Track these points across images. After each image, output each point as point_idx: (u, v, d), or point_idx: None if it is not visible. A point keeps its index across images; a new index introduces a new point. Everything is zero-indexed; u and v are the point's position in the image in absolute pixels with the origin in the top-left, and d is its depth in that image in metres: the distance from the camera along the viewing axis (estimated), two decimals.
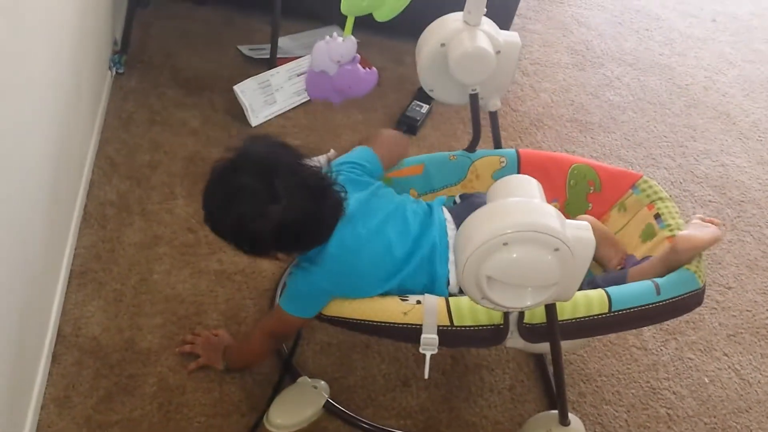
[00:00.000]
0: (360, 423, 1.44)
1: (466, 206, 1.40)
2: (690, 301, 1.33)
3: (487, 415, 1.50)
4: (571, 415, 1.41)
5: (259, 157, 1.23)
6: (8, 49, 1.10)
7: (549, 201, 1.54)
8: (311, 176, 1.25)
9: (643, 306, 1.29)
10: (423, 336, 1.25)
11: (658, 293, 1.30)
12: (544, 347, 1.32)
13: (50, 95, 1.41)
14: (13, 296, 1.19)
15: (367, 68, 1.51)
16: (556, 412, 1.40)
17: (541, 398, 1.54)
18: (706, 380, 1.65)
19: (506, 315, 1.25)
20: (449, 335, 1.26)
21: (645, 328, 1.71)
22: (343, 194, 1.28)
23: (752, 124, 2.43)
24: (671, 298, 1.30)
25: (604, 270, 1.47)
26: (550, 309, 1.19)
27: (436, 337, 1.25)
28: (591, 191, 1.56)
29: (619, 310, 1.28)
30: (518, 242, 1.01)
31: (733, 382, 1.66)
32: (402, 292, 1.31)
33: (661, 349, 1.69)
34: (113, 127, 1.94)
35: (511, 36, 1.48)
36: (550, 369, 1.51)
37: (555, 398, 1.46)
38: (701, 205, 2.09)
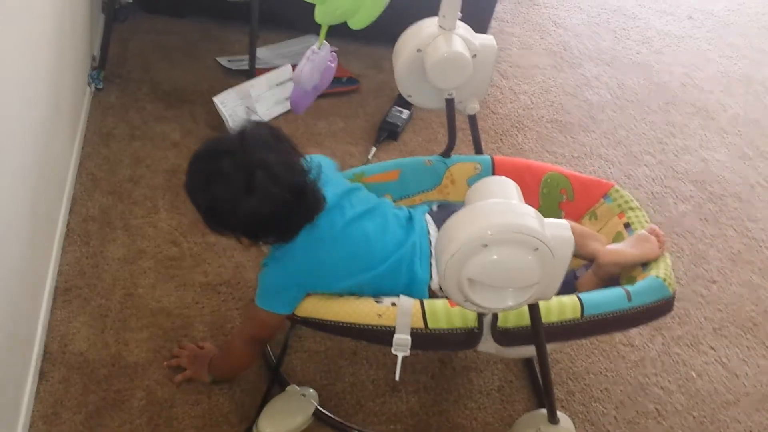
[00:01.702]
0: (350, 429, 1.44)
1: (445, 214, 1.41)
2: (660, 308, 1.36)
3: (476, 416, 1.50)
4: (560, 414, 1.41)
5: (247, 146, 1.22)
6: None
7: None
8: (295, 174, 1.23)
9: (615, 312, 1.31)
10: (395, 336, 1.25)
11: (629, 299, 1.32)
12: (515, 352, 1.34)
13: (29, 113, 1.41)
14: None
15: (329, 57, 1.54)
16: (545, 411, 1.41)
17: (530, 398, 1.55)
18: (694, 374, 1.66)
19: (480, 319, 1.25)
20: (423, 338, 1.27)
21: None
22: (322, 196, 1.28)
23: (731, 119, 2.45)
24: (642, 305, 1.33)
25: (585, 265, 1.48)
26: (533, 309, 1.20)
27: (408, 338, 1.25)
28: (563, 200, 1.57)
29: (591, 316, 1.29)
30: (498, 243, 1.02)
31: (721, 375, 1.67)
32: (378, 292, 1.31)
33: (648, 345, 1.70)
34: (94, 143, 1.94)
35: (486, 39, 1.49)
36: (539, 369, 1.51)
37: (543, 397, 1.46)
38: (682, 200, 2.10)
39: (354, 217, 1.32)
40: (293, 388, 1.45)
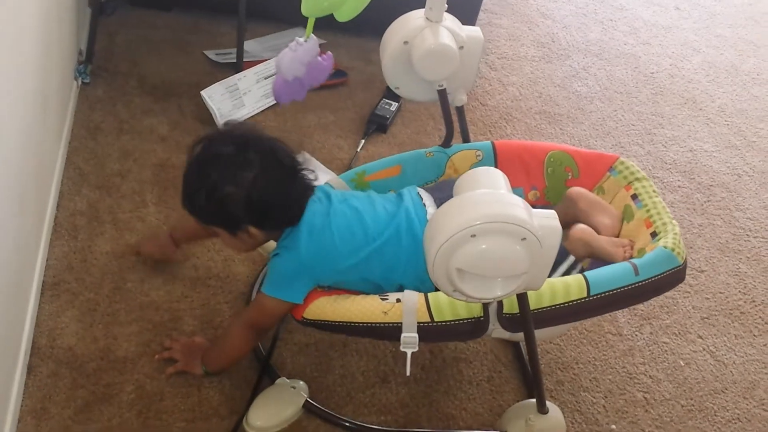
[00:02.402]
0: (340, 421, 1.44)
1: (438, 187, 1.45)
2: (671, 278, 1.34)
3: (466, 407, 1.51)
4: (549, 403, 1.42)
5: (236, 131, 1.30)
6: None
7: (528, 190, 1.58)
8: (285, 155, 1.31)
9: (623, 288, 1.30)
10: (403, 335, 1.26)
11: (637, 273, 1.30)
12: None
13: (16, 108, 1.40)
14: None
15: (323, 55, 1.54)
16: (534, 400, 1.41)
17: (520, 388, 1.56)
18: (682, 363, 1.67)
19: (486, 307, 1.26)
20: (430, 331, 1.27)
21: (620, 314, 1.73)
22: (312, 179, 1.34)
23: (718, 109, 2.46)
24: (650, 278, 1.31)
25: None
26: (522, 298, 1.20)
27: (415, 335, 1.27)
28: (569, 177, 1.57)
29: (598, 294, 1.29)
30: (486, 233, 1.02)
31: (709, 363, 1.68)
32: (384, 264, 1.34)
33: (636, 334, 1.71)
34: (81, 137, 1.93)
35: (473, 31, 1.49)
36: (528, 359, 1.52)
37: (532, 387, 1.47)
38: (671, 190, 2.11)
39: (341, 200, 1.38)
40: (283, 381, 1.45)
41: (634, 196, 1.49)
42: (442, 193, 1.40)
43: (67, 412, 1.38)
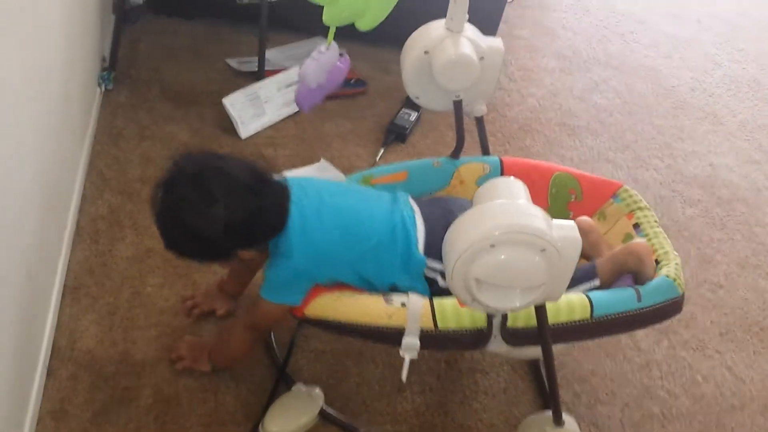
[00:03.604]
0: (355, 429, 1.44)
1: (430, 201, 1.45)
2: (670, 308, 1.35)
3: (481, 418, 1.51)
4: (565, 416, 1.42)
5: (188, 168, 1.26)
6: None
7: None
8: (242, 170, 1.27)
9: (625, 312, 1.31)
10: (405, 340, 1.26)
11: (639, 300, 1.31)
12: (526, 353, 1.33)
13: (40, 113, 1.42)
14: (6, 311, 1.20)
15: (340, 59, 1.55)
16: (550, 413, 1.41)
17: (536, 400, 1.55)
18: (699, 378, 1.66)
19: (490, 319, 1.26)
20: (432, 338, 1.27)
21: None
22: (282, 180, 1.32)
23: (739, 124, 2.45)
24: (652, 305, 1.32)
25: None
26: (540, 310, 1.20)
27: (417, 342, 1.26)
28: (572, 200, 1.58)
29: (601, 316, 1.29)
30: (505, 244, 1.02)
31: (726, 379, 1.67)
32: (378, 266, 1.33)
33: (654, 349, 1.70)
34: (103, 143, 1.95)
35: (494, 41, 1.49)
36: (544, 371, 1.52)
37: (549, 399, 1.47)
38: (690, 204, 2.10)
39: (332, 194, 1.36)
40: (299, 388, 1.46)
41: (636, 225, 1.50)
42: (432, 208, 1.42)
43: (86, 415, 1.40)
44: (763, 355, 1.73)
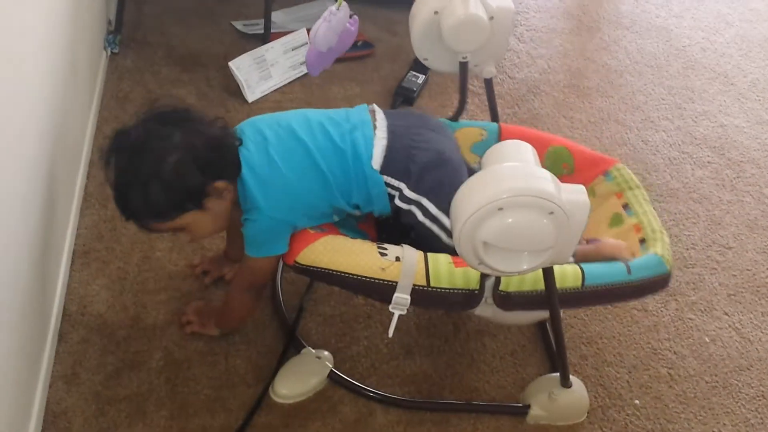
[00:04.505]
0: (364, 391, 1.45)
1: (398, 114, 1.44)
2: (657, 283, 1.38)
3: (489, 380, 1.52)
4: (572, 378, 1.43)
5: (128, 127, 1.27)
6: (2, 32, 1.10)
7: None
8: (182, 110, 1.30)
9: (614, 284, 1.33)
10: (395, 295, 1.26)
11: (629, 273, 1.33)
12: (513, 318, 1.35)
13: (46, 78, 1.42)
14: (17, 277, 1.21)
15: (350, 20, 1.53)
16: (557, 375, 1.42)
17: (544, 362, 1.56)
18: (707, 340, 1.66)
19: (482, 281, 1.26)
20: (423, 295, 1.27)
21: None
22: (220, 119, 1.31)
23: (750, 84, 2.42)
24: (641, 279, 1.34)
25: None
26: (548, 273, 1.20)
27: (408, 297, 1.27)
28: (564, 173, 1.56)
29: (591, 286, 1.31)
30: (513, 207, 1.02)
31: (734, 340, 1.67)
32: (341, 190, 1.32)
33: (662, 311, 1.70)
34: (110, 107, 1.94)
35: (504, 1, 1.47)
36: (552, 333, 1.52)
37: (556, 361, 1.47)
38: (700, 166, 2.09)
39: (275, 126, 1.33)
40: (309, 351, 1.47)
41: (625, 206, 1.50)
42: (398, 121, 1.38)
43: (98, 378, 1.41)
44: None
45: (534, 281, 1.27)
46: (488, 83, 1.60)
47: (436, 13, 1.44)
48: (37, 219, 1.33)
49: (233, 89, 2.03)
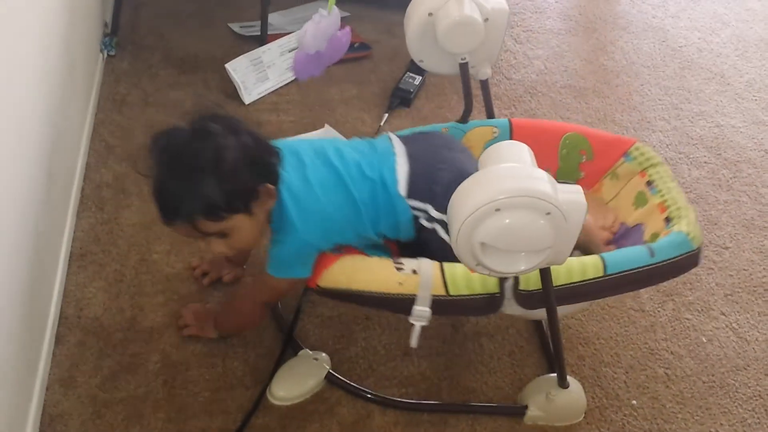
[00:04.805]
0: (362, 393, 1.45)
1: (416, 138, 1.44)
2: (685, 262, 1.34)
3: (487, 380, 1.52)
4: (570, 378, 1.43)
5: (181, 132, 1.24)
6: None
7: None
8: (224, 116, 1.28)
9: (638, 268, 1.30)
10: (415, 308, 1.27)
11: (653, 255, 1.31)
12: (542, 314, 1.34)
13: (43, 80, 1.42)
14: (14, 280, 1.21)
15: (342, 30, 1.53)
16: (555, 375, 1.42)
17: (541, 362, 1.56)
18: (704, 339, 1.66)
19: (502, 283, 1.26)
20: (444, 304, 1.28)
21: (642, 291, 1.72)
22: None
23: (747, 84, 2.43)
24: (666, 260, 1.32)
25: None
26: (545, 273, 1.20)
27: (428, 309, 1.27)
28: (583, 160, 1.56)
29: (614, 274, 1.29)
30: (510, 207, 1.02)
31: (731, 340, 1.67)
32: (371, 220, 1.33)
33: (659, 311, 1.70)
34: (107, 110, 1.94)
35: (498, 3, 1.47)
36: (549, 334, 1.52)
37: (553, 362, 1.47)
38: (697, 166, 2.09)
39: (314, 156, 1.34)
40: (306, 353, 1.47)
41: (649, 183, 1.48)
42: (417, 144, 1.40)
43: (95, 381, 1.41)
44: None
45: (555, 277, 1.26)
46: (484, 84, 1.60)
47: (430, 14, 1.44)
48: (34, 222, 1.33)
49: (230, 91, 2.03)
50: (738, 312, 1.73)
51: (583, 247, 1.44)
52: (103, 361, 1.44)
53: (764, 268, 1.84)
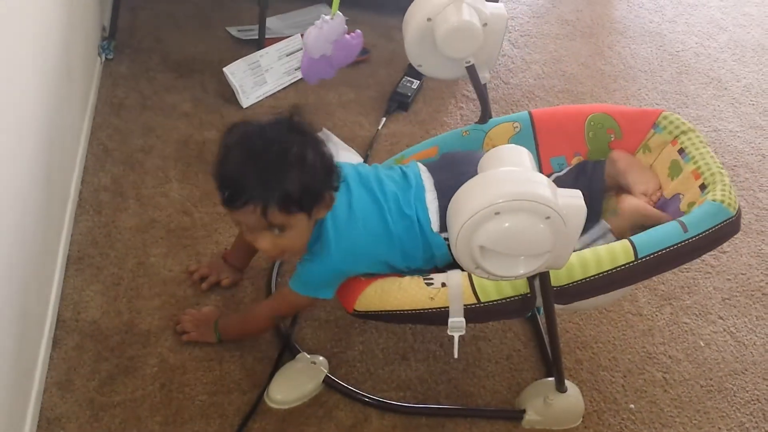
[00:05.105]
0: (359, 396, 1.45)
1: (442, 166, 1.44)
2: (723, 231, 1.30)
3: (485, 384, 1.52)
4: (568, 382, 1.43)
5: (266, 127, 1.25)
6: None
7: (571, 156, 1.56)
8: (304, 123, 1.28)
9: (672, 246, 1.26)
10: (450, 320, 1.28)
11: (686, 231, 1.27)
12: (582, 305, 1.32)
13: (41, 83, 1.41)
14: (11, 283, 1.20)
15: (352, 33, 1.53)
16: (553, 379, 1.42)
17: (539, 366, 1.56)
18: (702, 344, 1.67)
19: (531, 282, 1.25)
20: (478, 312, 1.28)
21: (640, 295, 1.73)
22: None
23: (744, 89, 2.43)
24: (701, 233, 1.27)
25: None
26: (544, 277, 1.20)
27: (462, 320, 1.28)
28: (612, 139, 1.54)
29: (647, 256, 1.26)
30: (510, 211, 1.02)
31: (729, 344, 1.68)
32: (404, 254, 1.35)
33: (657, 315, 1.70)
34: (105, 113, 1.94)
35: (497, 8, 1.48)
36: (547, 338, 1.52)
37: (551, 366, 1.47)
38: None
39: (358, 183, 1.36)
40: (304, 356, 1.47)
41: (681, 151, 1.45)
42: (444, 174, 1.41)
43: (92, 384, 1.41)
44: (766, 320, 1.74)
45: (583, 269, 1.24)
46: (482, 88, 1.60)
47: (429, 20, 1.44)
48: (32, 225, 1.33)
49: (228, 95, 2.03)
50: (736, 316, 1.73)
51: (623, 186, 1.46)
52: (100, 365, 1.44)
53: (762, 272, 1.85)
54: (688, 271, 1.80)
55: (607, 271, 1.26)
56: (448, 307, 1.28)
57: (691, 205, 1.38)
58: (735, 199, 1.32)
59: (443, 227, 1.34)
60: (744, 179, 2.09)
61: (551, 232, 1.04)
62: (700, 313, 1.73)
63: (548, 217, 1.02)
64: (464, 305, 1.27)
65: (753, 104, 2.37)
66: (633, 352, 1.62)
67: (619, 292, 1.36)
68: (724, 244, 1.86)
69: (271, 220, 1.22)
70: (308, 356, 1.47)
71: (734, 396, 1.58)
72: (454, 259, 1.33)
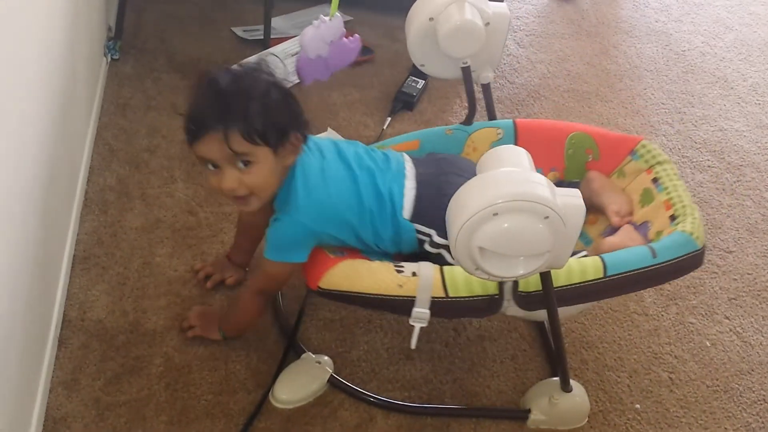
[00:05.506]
0: (364, 396, 1.45)
1: (427, 161, 1.45)
2: (688, 262, 1.33)
3: (490, 384, 1.52)
4: (573, 382, 1.43)
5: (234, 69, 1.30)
6: (1, 38, 1.11)
7: (547, 171, 1.57)
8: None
9: (640, 269, 1.30)
10: (414, 309, 1.27)
11: (655, 256, 1.30)
12: (543, 315, 1.33)
13: (46, 83, 1.42)
14: (17, 283, 1.21)
15: (350, 37, 1.53)
16: (558, 379, 1.42)
17: (544, 366, 1.56)
18: (708, 344, 1.66)
19: (501, 285, 1.26)
20: (444, 306, 1.28)
21: (646, 294, 1.72)
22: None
23: (750, 88, 2.42)
24: (668, 261, 1.31)
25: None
26: (545, 277, 1.20)
27: (427, 311, 1.27)
28: (589, 159, 1.56)
29: (615, 275, 1.29)
30: (509, 212, 1.02)
31: (735, 344, 1.67)
32: (374, 232, 1.36)
33: (662, 315, 1.70)
34: (110, 113, 1.95)
35: (500, 7, 1.48)
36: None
37: (556, 366, 1.47)
38: (700, 170, 2.09)
39: (336, 161, 1.37)
40: (308, 356, 1.47)
41: (655, 180, 1.48)
42: (427, 168, 1.42)
43: (98, 384, 1.41)
44: None
45: (554, 278, 1.25)
46: (486, 88, 1.60)
47: (431, 19, 1.44)
48: (38, 224, 1.34)
49: None
50: (742, 316, 1.73)
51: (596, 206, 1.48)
52: (106, 364, 1.44)
53: None
54: (694, 271, 1.79)
55: (576, 284, 1.28)
56: (415, 296, 1.27)
57: (659, 233, 1.40)
58: (703, 234, 1.35)
59: (415, 217, 1.36)
60: (750, 179, 2.09)
61: (550, 232, 1.04)
62: (706, 313, 1.72)
63: (547, 217, 1.02)
64: (432, 297, 1.27)
65: (759, 104, 2.37)
66: (639, 352, 1.62)
67: (581, 306, 1.39)
68: (730, 244, 1.88)
69: (235, 148, 1.23)
70: (313, 356, 1.47)
71: (740, 396, 1.57)
72: (420, 246, 1.36)
